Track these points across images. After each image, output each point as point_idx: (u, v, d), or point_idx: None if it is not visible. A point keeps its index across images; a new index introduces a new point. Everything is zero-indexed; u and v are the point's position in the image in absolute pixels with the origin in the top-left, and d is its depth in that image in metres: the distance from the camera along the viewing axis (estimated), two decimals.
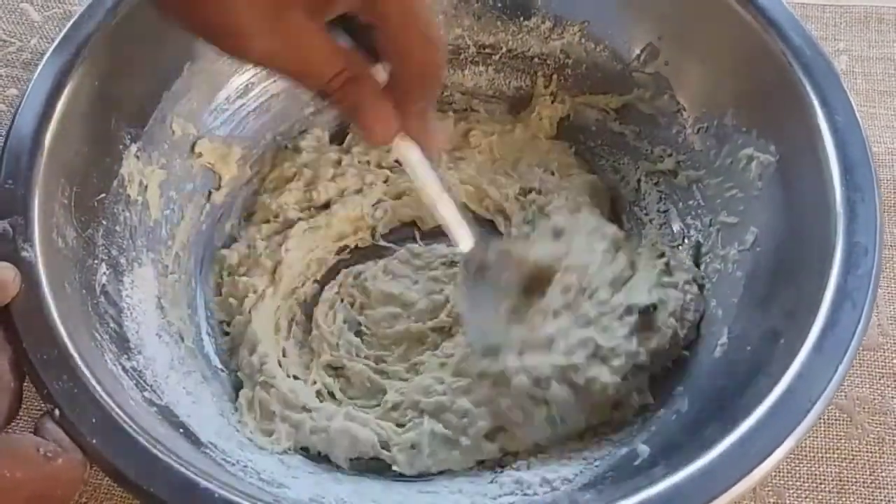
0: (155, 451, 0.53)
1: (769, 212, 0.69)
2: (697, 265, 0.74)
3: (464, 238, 0.67)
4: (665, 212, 0.79)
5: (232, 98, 0.80)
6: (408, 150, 0.61)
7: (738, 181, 0.72)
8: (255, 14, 0.50)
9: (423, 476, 0.67)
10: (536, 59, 0.86)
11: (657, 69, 0.80)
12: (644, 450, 0.63)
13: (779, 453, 0.53)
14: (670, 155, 0.79)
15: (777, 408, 0.55)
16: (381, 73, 0.57)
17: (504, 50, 0.86)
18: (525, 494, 0.63)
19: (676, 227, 0.78)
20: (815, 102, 0.67)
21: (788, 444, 0.54)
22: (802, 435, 0.54)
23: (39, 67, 0.66)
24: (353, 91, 0.55)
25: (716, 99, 0.76)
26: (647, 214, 0.80)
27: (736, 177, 0.73)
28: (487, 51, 0.86)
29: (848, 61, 0.90)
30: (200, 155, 0.77)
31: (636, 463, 0.62)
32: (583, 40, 0.83)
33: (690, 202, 0.77)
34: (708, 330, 0.69)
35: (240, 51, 0.53)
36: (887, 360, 0.73)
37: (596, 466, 0.64)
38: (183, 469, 0.53)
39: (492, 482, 0.65)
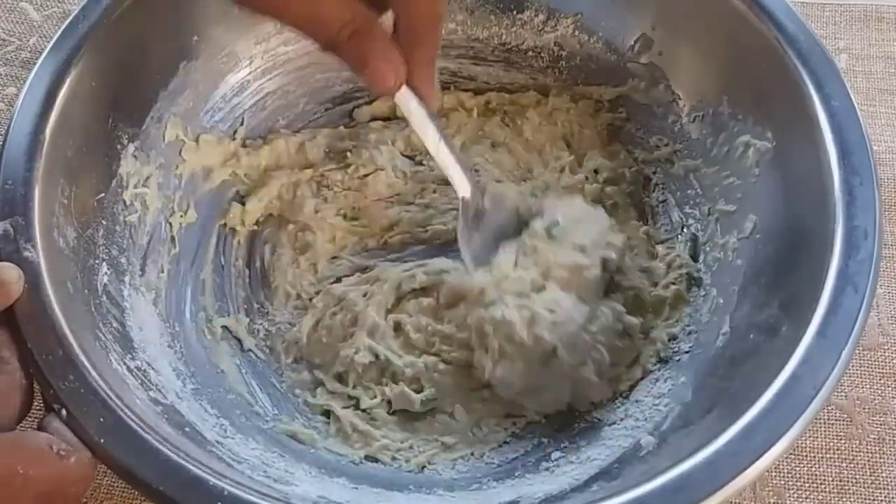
0: (163, 449, 0.53)
1: (767, 199, 0.69)
2: (696, 255, 0.75)
3: (462, 184, 0.71)
4: (663, 202, 0.79)
5: (228, 96, 0.80)
6: (410, 100, 0.64)
7: (736, 169, 0.73)
8: None
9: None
10: (530, 53, 0.86)
11: (651, 59, 0.80)
12: (649, 441, 0.63)
13: (785, 441, 0.53)
14: (666, 145, 0.79)
15: (782, 395, 0.55)
16: (387, 22, 0.59)
17: (497, 43, 0.86)
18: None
19: (675, 216, 0.78)
20: (811, 88, 0.67)
21: (794, 431, 0.53)
22: (808, 422, 0.54)
23: (36, 67, 0.66)
24: (362, 40, 0.56)
25: (711, 87, 0.76)
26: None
27: (733, 165, 0.73)
28: (480, 44, 0.87)
29: (848, 60, 0.90)
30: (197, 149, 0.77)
31: (641, 454, 0.62)
32: (576, 32, 0.83)
33: (688, 191, 0.77)
34: (710, 319, 0.69)
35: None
36: (887, 360, 0.73)
37: (601, 459, 0.64)
38: (191, 466, 0.53)
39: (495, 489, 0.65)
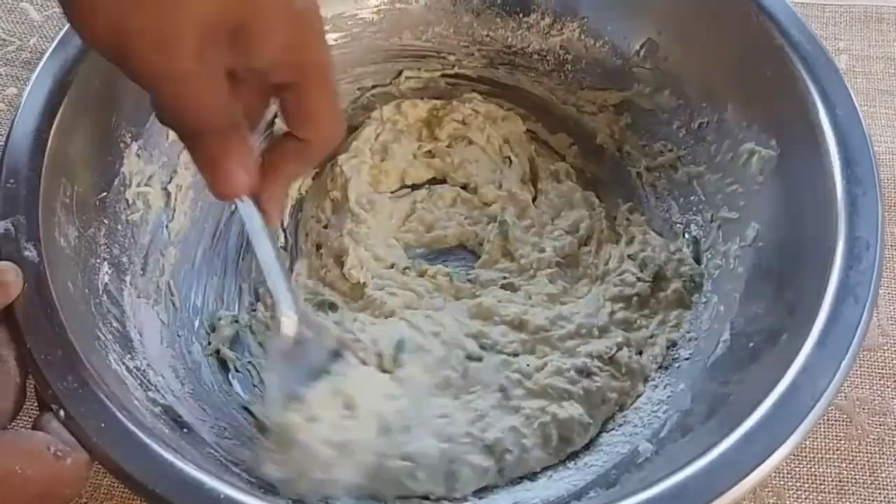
0: (160, 450, 0.53)
1: (770, 207, 0.69)
2: (698, 261, 0.75)
3: (288, 309, 0.63)
4: (666, 208, 0.79)
5: None
6: (253, 214, 0.59)
7: (739, 176, 0.72)
8: (188, 29, 0.47)
9: None
10: (536, 56, 0.86)
11: (657, 65, 0.80)
12: (647, 447, 0.63)
13: (784, 450, 0.53)
14: (670, 150, 0.79)
15: (781, 404, 0.55)
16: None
17: (502, 46, 0.86)
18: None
19: (677, 222, 0.78)
20: (816, 97, 0.67)
21: (793, 440, 0.53)
22: (807, 431, 0.54)
23: (39, 67, 0.66)
24: (228, 140, 0.53)
25: (716, 94, 0.76)
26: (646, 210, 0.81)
27: (737, 172, 0.73)
28: (487, 48, 0.87)
29: (848, 60, 0.90)
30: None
31: (639, 461, 0.62)
32: (582, 36, 0.83)
33: (691, 198, 0.77)
34: (710, 326, 0.69)
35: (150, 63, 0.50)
36: (887, 361, 0.73)
37: (598, 465, 0.64)
38: (188, 468, 0.52)
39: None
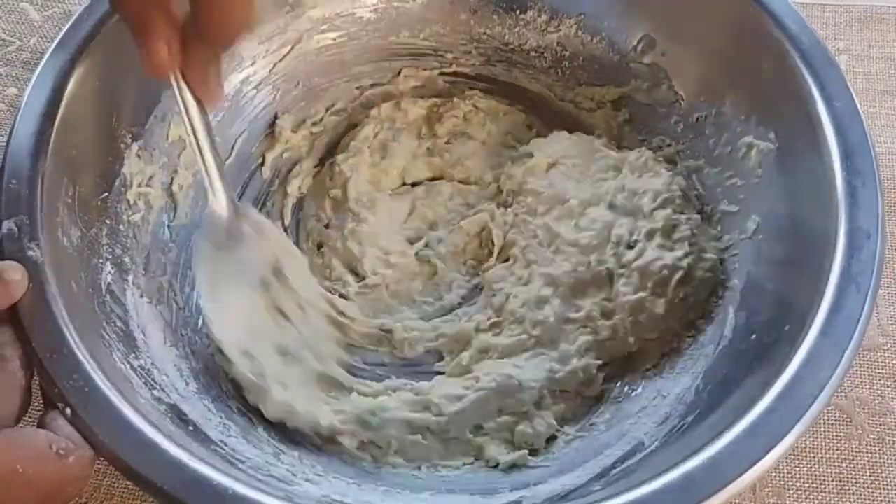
0: (168, 447, 0.53)
1: (770, 199, 0.69)
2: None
3: (218, 192, 0.66)
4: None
5: (231, 96, 0.80)
6: (184, 93, 0.61)
7: (738, 169, 0.73)
8: None
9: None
10: (533, 53, 0.86)
11: (654, 60, 0.80)
12: (651, 440, 0.63)
13: (788, 440, 0.53)
14: (669, 145, 0.79)
15: (785, 394, 0.55)
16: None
17: (499, 43, 0.86)
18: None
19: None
20: (814, 89, 0.67)
21: (798, 430, 0.53)
22: (811, 420, 0.54)
23: (40, 67, 0.66)
24: (148, 13, 0.55)
25: (714, 88, 0.76)
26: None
27: (736, 165, 0.73)
28: (485, 45, 0.87)
29: (848, 61, 0.90)
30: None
31: (643, 454, 0.62)
32: (579, 32, 0.84)
33: (691, 192, 0.77)
34: (713, 319, 0.69)
35: None
36: (887, 361, 0.73)
37: (604, 457, 0.64)
38: (196, 465, 0.53)
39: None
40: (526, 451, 0.67)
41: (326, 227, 0.82)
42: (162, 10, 0.55)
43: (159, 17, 0.55)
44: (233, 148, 0.81)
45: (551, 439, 0.68)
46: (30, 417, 0.56)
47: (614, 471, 0.62)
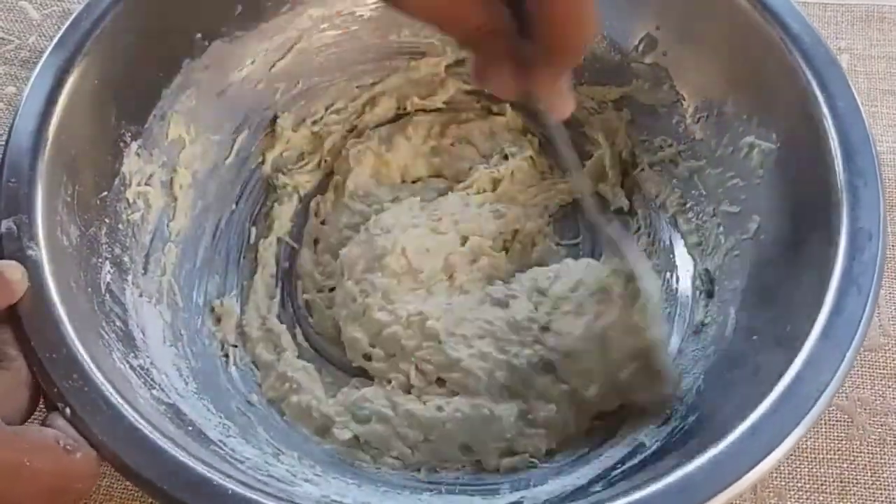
0: (167, 448, 0.53)
1: (771, 200, 0.69)
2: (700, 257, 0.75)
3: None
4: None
5: (230, 95, 0.80)
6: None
7: (740, 170, 0.72)
8: None
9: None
10: None
11: (656, 59, 0.80)
12: (652, 441, 0.63)
13: (789, 442, 0.53)
14: (670, 145, 0.79)
15: (786, 396, 0.55)
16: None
17: None
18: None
19: (678, 218, 0.78)
20: (816, 89, 0.67)
21: (798, 432, 0.53)
22: (813, 422, 0.54)
23: (39, 66, 0.66)
24: (489, 44, 0.54)
25: (715, 88, 0.76)
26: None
27: (737, 165, 0.73)
28: None
29: (850, 60, 0.89)
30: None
31: (644, 454, 0.62)
32: None
33: (692, 192, 0.77)
34: (714, 320, 0.69)
35: None
36: (888, 361, 0.73)
37: (605, 458, 0.64)
38: (195, 465, 0.53)
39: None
40: (527, 454, 0.67)
41: (322, 224, 0.82)
42: (500, 41, 0.54)
43: (500, 50, 0.55)
44: (232, 147, 0.80)
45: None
46: (33, 419, 0.56)
47: (615, 472, 0.62)
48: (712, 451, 0.53)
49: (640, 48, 0.80)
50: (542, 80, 0.57)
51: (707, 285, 0.73)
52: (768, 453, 0.53)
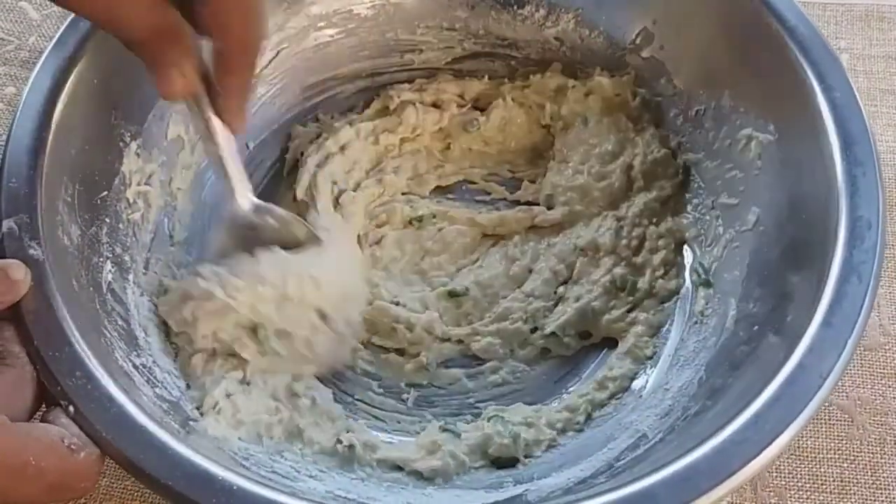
0: (172, 444, 0.53)
1: (770, 191, 0.69)
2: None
3: (242, 192, 0.68)
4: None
5: None
6: (208, 116, 0.63)
7: (738, 162, 0.73)
8: None
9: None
10: (531, 48, 0.86)
11: (653, 53, 0.80)
12: (655, 432, 0.63)
13: (792, 429, 0.53)
14: (668, 138, 0.80)
15: (788, 384, 0.55)
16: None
17: (497, 39, 0.86)
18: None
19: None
20: (813, 80, 0.67)
21: (801, 420, 0.53)
22: (815, 410, 0.54)
23: (38, 66, 0.66)
24: (160, 43, 0.56)
25: (712, 81, 0.76)
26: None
27: (735, 157, 0.73)
28: (482, 41, 0.87)
29: (849, 59, 0.90)
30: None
31: (647, 445, 0.62)
32: (577, 27, 0.83)
33: (691, 185, 0.77)
34: (714, 311, 0.70)
35: None
36: (888, 361, 0.73)
37: (608, 450, 0.64)
38: (200, 461, 0.52)
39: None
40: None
41: None
42: (176, 43, 0.57)
43: (172, 49, 0.57)
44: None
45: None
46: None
47: (618, 463, 0.62)
48: (716, 440, 0.53)
49: (637, 42, 0.81)
50: (226, 93, 0.60)
51: (704, 276, 0.73)
52: (772, 441, 0.53)
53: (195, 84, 0.60)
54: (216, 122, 0.63)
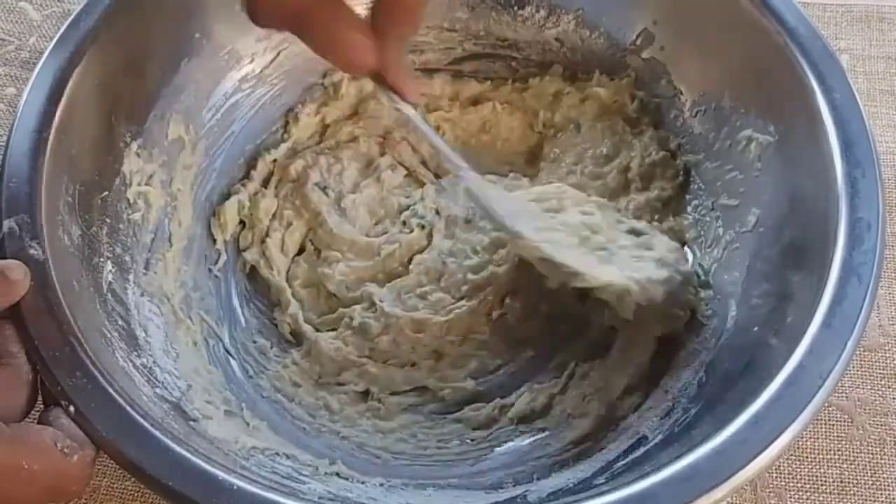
0: (172, 444, 0.53)
1: (770, 192, 0.69)
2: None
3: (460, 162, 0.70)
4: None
5: (230, 94, 0.80)
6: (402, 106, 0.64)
7: (738, 163, 0.73)
8: None
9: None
10: (531, 48, 0.86)
11: (653, 54, 0.80)
12: (655, 433, 0.63)
13: (792, 430, 0.53)
14: (668, 139, 0.80)
15: (788, 385, 0.55)
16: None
17: (497, 40, 0.86)
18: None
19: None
20: (813, 81, 0.67)
21: (802, 420, 0.53)
22: (816, 411, 0.54)
23: (38, 66, 0.66)
24: (329, 21, 0.57)
25: (713, 82, 0.76)
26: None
27: (735, 158, 0.73)
28: (482, 41, 0.87)
29: (849, 60, 0.89)
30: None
31: (648, 446, 0.62)
32: (578, 28, 0.83)
33: (691, 186, 0.77)
34: (714, 312, 0.69)
35: None
36: (888, 361, 0.73)
37: (607, 451, 0.64)
38: (200, 461, 0.53)
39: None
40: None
41: None
42: (343, 15, 0.57)
43: (345, 24, 0.57)
44: (232, 145, 0.81)
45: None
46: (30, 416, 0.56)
47: (618, 464, 0.62)
48: (716, 441, 0.53)
49: (638, 43, 0.81)
50: (388, 64, 0.60)
51: (703, 277, 0.73)
52: (772, 442, 0.53)
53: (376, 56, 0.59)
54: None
